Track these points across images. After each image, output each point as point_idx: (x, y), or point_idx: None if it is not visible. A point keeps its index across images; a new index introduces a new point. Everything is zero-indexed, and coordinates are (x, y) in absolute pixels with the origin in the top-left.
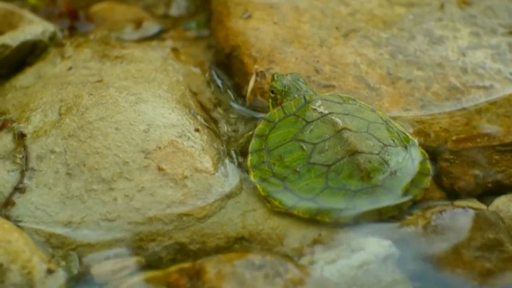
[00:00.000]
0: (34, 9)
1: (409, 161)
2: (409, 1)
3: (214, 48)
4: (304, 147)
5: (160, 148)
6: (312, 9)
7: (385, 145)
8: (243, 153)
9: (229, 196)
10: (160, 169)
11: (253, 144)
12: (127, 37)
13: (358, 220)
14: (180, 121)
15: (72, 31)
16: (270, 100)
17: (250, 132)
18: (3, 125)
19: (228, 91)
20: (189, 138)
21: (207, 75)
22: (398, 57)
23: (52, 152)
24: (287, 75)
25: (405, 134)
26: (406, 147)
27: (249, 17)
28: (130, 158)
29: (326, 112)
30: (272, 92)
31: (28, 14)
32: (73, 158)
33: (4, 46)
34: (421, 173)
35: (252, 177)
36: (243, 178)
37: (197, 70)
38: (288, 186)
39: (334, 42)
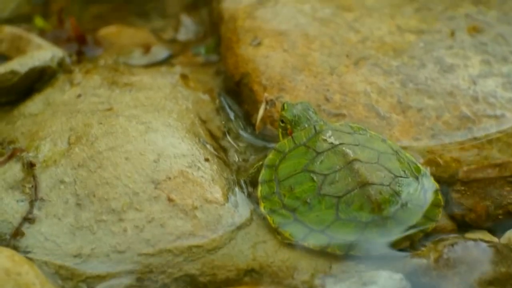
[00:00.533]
0: (41, 33)
1: (420, 192)
2: (419, 28)
3: (223, 74)
4: (315, 178)
5: (170, 178)
6: (321, 36)
7: (396, 176)
8: (253, 183)
9: (239, 227)
10: (170, 199)
11: (263, 174)
12: (135, 62)
13: (369, 253)
14: (190, 151)
15: (80, 55)
16: (280, 130)
17: (260, 162)
18: (12, 154)
19: (238, 119)
20: (199, 168)
21: (216, 102)
22: (408, 85)
23: (62, 182)
24: (297, 104)
25: (416, 164)
26: (417, 178)
27: (259, 44)
28: (140, 189)
29: (337, 142)
30: (282, 121)
31: (36, 39)
32: (83, 188)
33: (13, 72)
34: (433, 205)
35: (262, 208)
36: (253, 209)
37: (206, 97)
38: (298, 218)
39: (344, 70)
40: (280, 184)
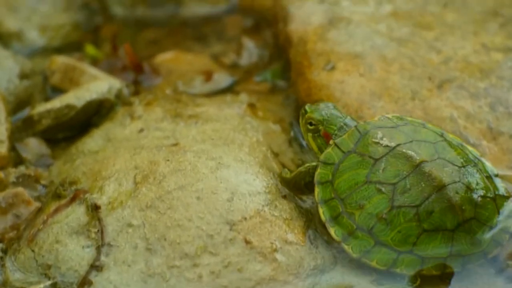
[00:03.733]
0: (94, 62)
1: (485, 180)
2: (506, 46)
3: (294, 102)
4: (383, 189)
5: (246, 218)
6: (400, 58)
7: (459, 167)
8: (296, 188)
9: (322, 270)
10: (247, 242)
11: (319, 193)
12: (197, 91)
13: (466, 266)
14: (266, 188)
15: (137, 85)
16: (310, 135)
17: (306, 166)
18: (75, 196)
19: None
20: (276, 206)
21: (289, 133)
22: (498, 109)
23: (130, 225)
24: (318, 104)
25: (464, 145)
26: (475, 163)
27: (333, 68)
28: (214, 231)
29: (393, 144)
30: (311, 124)
31: (90, 69)
32: (153, 231)
33: (69, 106)
34: (501, 197)
35: (334, 235)
36: (335, 250)
37: (277, 128)
38: (380, 239)
39: (427, 94)
40: (344, 202)
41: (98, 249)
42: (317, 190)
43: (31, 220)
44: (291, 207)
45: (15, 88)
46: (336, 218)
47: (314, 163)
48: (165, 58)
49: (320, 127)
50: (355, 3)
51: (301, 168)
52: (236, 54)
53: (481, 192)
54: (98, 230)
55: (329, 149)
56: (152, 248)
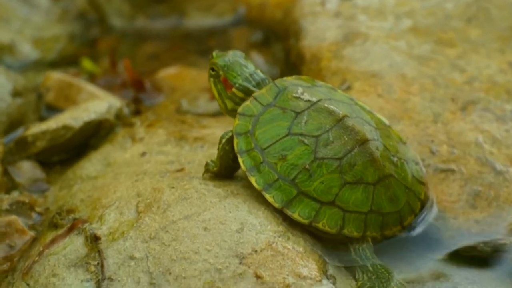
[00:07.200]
0: (92, 78)
1: (399, 144)
2: None
3: None
4: (306, 141)
5: (256, 251)
6: (421, 78)
7: (375, 128)
8: (229, 171)
9: None
10: (258, 276)
11: (238, 143)
12: (202, 111)
13: (384, 231)
14: (277, 218)
15: (137, 103)
16: (212, 80)
17: (227, 136)
18: (73, 226)
19: None
20: (288, 238)
21: None
22: None
23: (132, 258)
24: (227, 52)
25: (372, 112)
26: (386, 127)
27: (349, 88)
28: (223, 264)
29: (314, 100)
30: (213, 70)
31: (87, 86)
32: (157, 265)
33: (66, 127)
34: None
35: (255, 183)
36: (352, 283)
37: None
38: (302, 189)
39: (450, 117)
40: (265, 153)
41: (98, 283)
42: (236, 141)
43: (25, 251)
44: (305, 239)
45: (7, 106)
46: (257, 168)
47: (228, 134)
48: (167, 74)
49: (221, 73)
50: (372, 17)
51: (219, 149)
52: None
53: (396, 154)
54: (98, 263)
55: (247, 102)
56: (156, 282)
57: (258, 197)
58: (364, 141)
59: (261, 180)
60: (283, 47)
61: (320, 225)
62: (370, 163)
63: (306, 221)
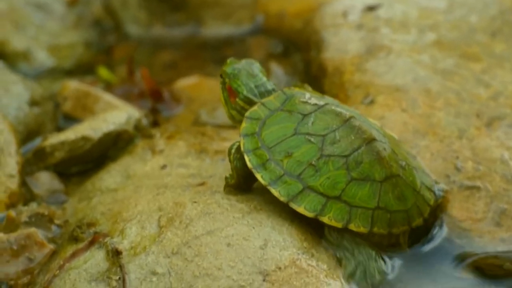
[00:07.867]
0: (109, 87)
1: (400, 148)
2: None
3: None
4: (312, 139)
5: (280, 268)
6: (446, 92)
7: (383, 135)
8: (248, 181)
9: None
10: None
11: (245, 144)
12: (221, 122)
13: (391, 229)
14: (302, 234)
15: (156, 114)
16: (220, 86)
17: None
18: (93, 240)
19: None
20: (313, 255)
21: None
22: None
23: (154, 273)
24: (240, 60)
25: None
26: (387, 134)
27: (372, 102)
28: (246, 281)
29: (322, 103)
30: (221, 76)
31: (105, 95)
32: (179, 281)
33: (85, 138)
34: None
35: (261, 179)
36: None
37: None
38: (308, 184)
39: (475, 133)
40: (271, 151)
41: None
42: (242, 141)
43: (45, 264)
44: (330, 256)
45: (25, 116)
46: (263, 165)
47: (236, 144)
48: (185, 84)
49: (226, 80)
50: (396, 30)
51: (231, 160)
52: None
53: (405, 160)
54: (119, 278)
55: (255, 107)
56: None
57: (282, 213)
58: (371, 140)
59: (267, 176)
60: (302, 58)
61: (326, 219)
62: (377, 161)
63: (312, 214)
